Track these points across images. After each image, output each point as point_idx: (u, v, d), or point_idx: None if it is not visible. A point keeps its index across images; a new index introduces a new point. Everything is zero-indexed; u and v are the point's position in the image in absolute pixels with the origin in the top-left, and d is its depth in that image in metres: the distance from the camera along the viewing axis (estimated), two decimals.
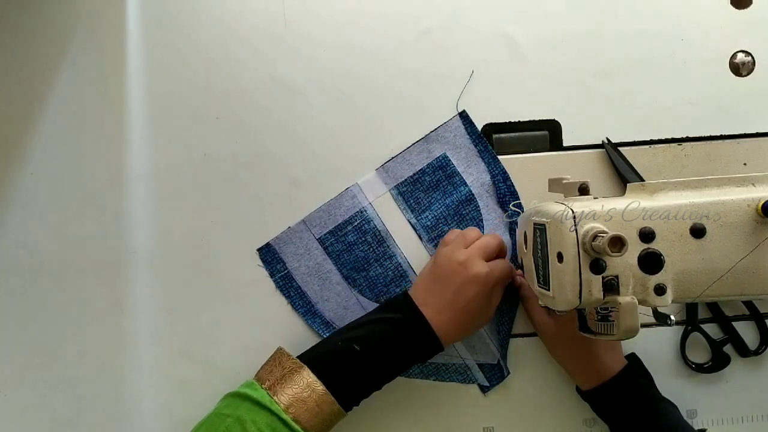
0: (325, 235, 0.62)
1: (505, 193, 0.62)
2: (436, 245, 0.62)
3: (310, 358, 0.54)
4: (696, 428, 0.55)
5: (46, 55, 0.63)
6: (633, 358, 0.59)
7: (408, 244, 0.63)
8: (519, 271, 0.61)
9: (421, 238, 0.63)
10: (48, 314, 0.62)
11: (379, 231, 0.62)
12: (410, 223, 0.63)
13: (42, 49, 0.63)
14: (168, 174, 0.63)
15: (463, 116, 0.63)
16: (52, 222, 0.62)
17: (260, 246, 0.62)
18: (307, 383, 0.52)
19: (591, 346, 0.57)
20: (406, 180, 0.63)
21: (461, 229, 0.61)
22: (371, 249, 0.62)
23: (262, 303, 0.63)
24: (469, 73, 0.63)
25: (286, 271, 0.62)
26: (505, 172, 0.63)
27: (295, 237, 0.63)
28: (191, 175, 0.63)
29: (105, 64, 0.63)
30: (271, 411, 0.51)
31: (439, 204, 0.63)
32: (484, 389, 0.62)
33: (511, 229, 0.63)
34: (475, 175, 0.63)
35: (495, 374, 0.62)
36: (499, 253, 0.58)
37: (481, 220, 0.63)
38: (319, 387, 0.52)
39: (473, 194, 0.63)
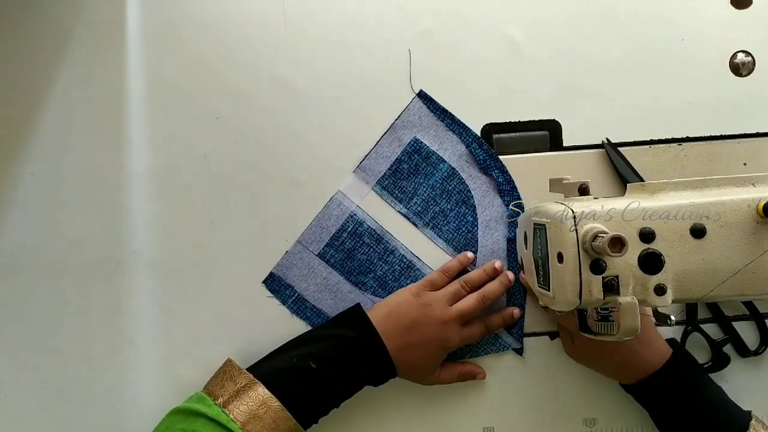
0: (323, 249, 0.63)
1: (485, 158, 0.62)
2: (432, 227, 0.63)
3: (264, 374, 0.54)
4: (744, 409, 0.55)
5: (46, 55, 0.63)
6: (674, 345, 0.57)
7: (406, 234, 0.63)
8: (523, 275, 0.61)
9: (416, 225, 0.63)
10: (48, 314, 0.62)
11: (374, 230, 0.63)
12: (401, 213, 0.63)
13: (42, 49, 0.63)
14: (168, 174, 0.63)
15: (422, 96, 0.63)
16: (52, 222, 0.62)
17: (264, 277, 0.63)
18: (262, 400, 0.52)
19: (623, 353, 0.55)
20: (385, 173, 0.63)
21: (451, 205, 0.62)
22: (372, 249, 0.62)
23: (262, 303, 0.63)
24: (469, 73, 0.63)
25: (296, 295, 0.62)
26: (479, 137, 0.63)
27: (295, 259, 0.63)
28: (191, 175, 0.63)
29: (105, 64, 0.63)
30: (228, 429, 0.50)
31: (424, 187, 0.63)
32: (519, 351, 0.62)
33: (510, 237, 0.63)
34: (450, 149, 0.63)
35: (521, 334, 0.62)
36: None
37: (469, 191, 0.63)
38: (275, 403, 0.51)
39: (454, 168, 0.63)
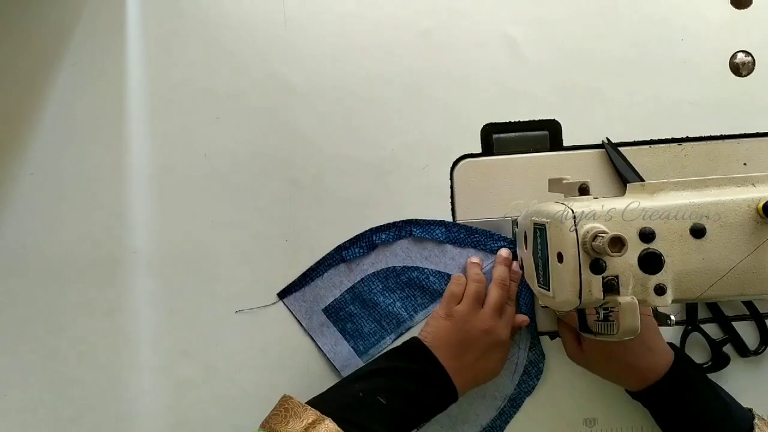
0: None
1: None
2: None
3: (332, 411, 0.51)
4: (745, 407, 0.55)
5: (46, 55, 0.63)
6: (675, 350, 0.57)
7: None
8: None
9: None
10: (48, 314, 0.62)
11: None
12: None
13: (42, 49, 0.63)
14: (168, 174, 0.63)
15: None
16: (52, 222, 0.62)
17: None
18: None
19: (628, 359, 0.55)
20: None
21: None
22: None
23: (261, 303, 0.63)
24: (469, 73, 0.63)
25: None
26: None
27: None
28: (191, 175, 0.63)
29: (105, 64, 0.63)
30: None
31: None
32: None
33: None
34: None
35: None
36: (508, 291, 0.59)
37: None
38: None
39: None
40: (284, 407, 0.52)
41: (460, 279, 0.60)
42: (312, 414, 0.50)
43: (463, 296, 0.59)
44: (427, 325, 0.59)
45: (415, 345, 0.57)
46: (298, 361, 0.62)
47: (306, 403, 0.52)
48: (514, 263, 0.61)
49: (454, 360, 0.56)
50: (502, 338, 0.57)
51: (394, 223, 0.63)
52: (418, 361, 0.55)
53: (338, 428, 0.49)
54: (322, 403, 0.52)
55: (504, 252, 0.61)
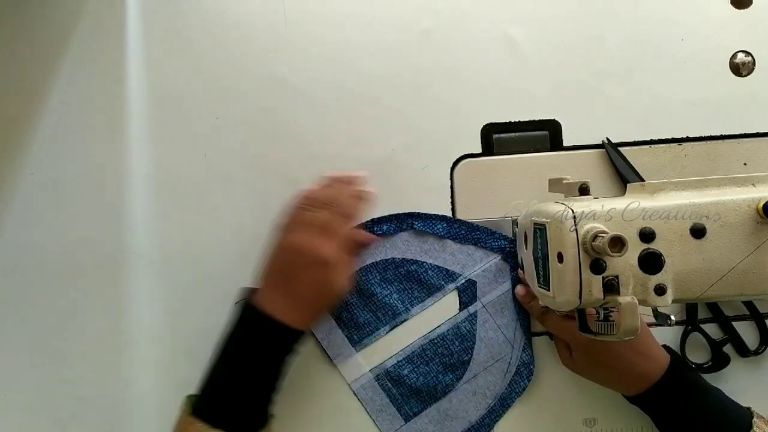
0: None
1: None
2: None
3: (194, 409, 0.53)
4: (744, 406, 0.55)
5: (46, 55, 0.63)
6: (671, 353, 0.57)
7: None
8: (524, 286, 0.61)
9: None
10: (48, 314, 0.62)
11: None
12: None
13: (42, 49, 0.63)
14: (168, 174, 0.63)
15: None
16: (52, 222, 0.62)
17: None
18: None
19: (619, 366, 0.55)
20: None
21: None
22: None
23: None
24: (469, 73, 0.63)
25: None
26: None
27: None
28: (191, 175, 0.63)
29: (105, 64, 0.63)
30: None
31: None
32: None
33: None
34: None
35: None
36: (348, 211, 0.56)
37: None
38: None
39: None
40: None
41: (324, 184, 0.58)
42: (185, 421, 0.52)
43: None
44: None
45: (240, 305, 0.55)
46: None
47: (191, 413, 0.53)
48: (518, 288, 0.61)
49: (275, 293, 0.53)
50: (324, 256, 0.53)
51: (396, 215, 0.63)
52: (236, 313, 0.55)
53: (204, 424, 0.51)
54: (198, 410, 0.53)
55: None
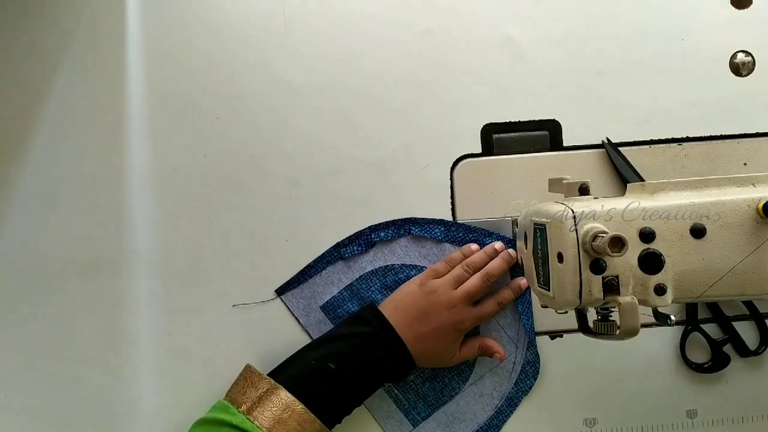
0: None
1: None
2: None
3: (285, 380, 0.54)
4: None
5: (46, 55, 0.63)
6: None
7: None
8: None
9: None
10: (48, 314, 0.62)
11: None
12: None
13: (42, 49, 0.63)
14: (168, 174, 0.63)
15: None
16: (52, 222, 0.62)
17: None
18: (285, 404, 0.52)
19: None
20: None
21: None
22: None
23: (261, 302, 0.63)
24: (469, 73, 0.63)
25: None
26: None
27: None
28: (191, 175, 0.63)
29: (105, 64, 0.63)
30: None
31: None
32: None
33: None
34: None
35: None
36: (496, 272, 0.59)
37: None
38: (299, 407, 0.52)
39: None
40: (244, 377, 0.56)
41: (451, 260, 0.60)
42: (266, 383, 0.53)
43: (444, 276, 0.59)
44: (399, 288, 0.59)
45: (369, 310, 0.57)
46: None
47: (267, 374, 0.55)
48: (510, 251, 0.61)
49: (408, 327, 0.56)
50: (463, 324, 0.57)
51: (393, 221, 0.63)
52: (371, 325, 0.56)
53: (289, 396, 0.52)
54: (278, 373, 0.55)
55: (497, 245, 0.61)
